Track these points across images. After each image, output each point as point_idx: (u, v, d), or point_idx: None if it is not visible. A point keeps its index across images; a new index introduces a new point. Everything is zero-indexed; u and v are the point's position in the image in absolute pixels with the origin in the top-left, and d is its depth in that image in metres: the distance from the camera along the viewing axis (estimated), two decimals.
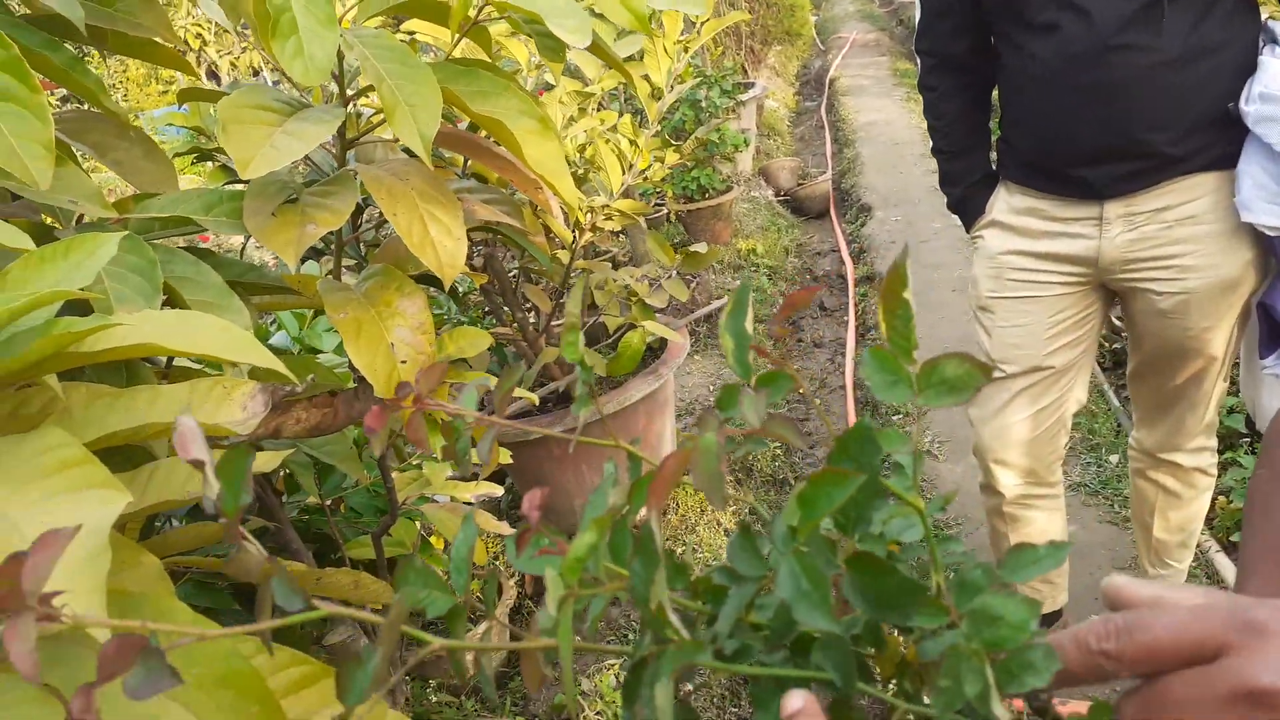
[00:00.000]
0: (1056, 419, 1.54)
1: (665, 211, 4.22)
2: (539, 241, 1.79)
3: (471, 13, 0.87)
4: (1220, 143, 1.31)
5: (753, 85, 5.66)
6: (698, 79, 4.06)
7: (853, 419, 2.95)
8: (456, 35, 0.88)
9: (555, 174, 0.85)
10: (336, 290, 0.86)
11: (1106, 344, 2.96)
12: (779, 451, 2.94)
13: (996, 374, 1.52)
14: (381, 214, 1.23)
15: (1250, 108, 1.27)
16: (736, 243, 4.31)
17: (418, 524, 1.28)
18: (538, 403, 2.02)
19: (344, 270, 1.00)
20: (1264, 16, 1.35)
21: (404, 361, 0.86)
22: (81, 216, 0.76)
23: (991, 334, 1.52)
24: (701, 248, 2.40)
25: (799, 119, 7.38)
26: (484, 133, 1.15)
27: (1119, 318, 2.43)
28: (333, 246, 1.02)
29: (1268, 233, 1.29)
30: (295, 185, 0.85)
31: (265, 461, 0.75)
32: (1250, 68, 1.29)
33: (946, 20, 1.45)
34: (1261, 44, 1.31)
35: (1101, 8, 1.25)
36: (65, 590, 0.40)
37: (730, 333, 0.48)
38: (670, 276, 2.27)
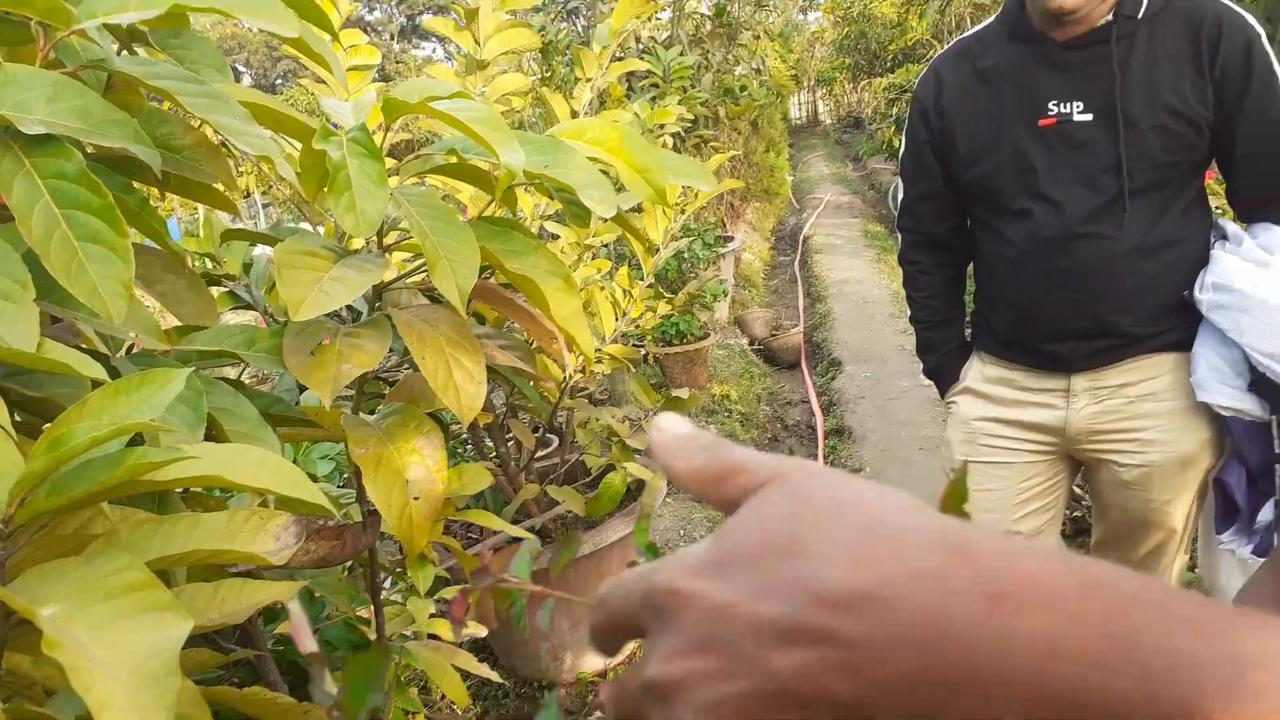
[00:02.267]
0: None
1: (644, 354, 4.33)
2: (547, 387, 1.85)
3: (508, 181, 0.95)
4: (1178, 326, 1.42)
5: (731, 239, 5.91)
6: (681, 232, 4.25)
7: None
8: (494, 199, 0.96)
9: (577, 329, 0.92)
10: (359, 426, 0.90)
11: (1069, 512, 3.03)
12: None
13: None
14: (397, 354, 1.29)
15: (1204, 296, 1.38)
16: (711, 387, 4.40)
17: (397, 660, 1.27)
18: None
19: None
20: (1216, 214, 1.49)
21: (416, 498, 0.89)
22: (132, 346, 0.80)
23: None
24: (684, 393, 2.47)
25: (773, 272, 7.67)
26: (501, 281, 1.22)
27: (1080, 486, 2.51)
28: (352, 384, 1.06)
29: (1221, 412, 1.39)
30: (331, 326, 0.90)
31: (284, 591, 0.77)
32: (1204, 260, 1.41)
33: (929, 202, 1.58)
34: (1213, 239, 1.44)
35: (1071, 200, 1.37)
36: (137, 710, 0.43)
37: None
38: (651, 418, 2.33)
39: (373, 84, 1.91)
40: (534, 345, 1.18)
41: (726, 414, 4.16)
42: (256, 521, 0.66)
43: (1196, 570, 1.87)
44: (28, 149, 0.69)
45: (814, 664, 0.25)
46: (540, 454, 2.53)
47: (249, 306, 1.62)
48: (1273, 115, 1.33)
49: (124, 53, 0.88)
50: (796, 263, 7.48)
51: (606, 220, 0.94)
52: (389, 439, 0.91)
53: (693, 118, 5.44)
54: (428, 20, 2.23)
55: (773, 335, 5.41)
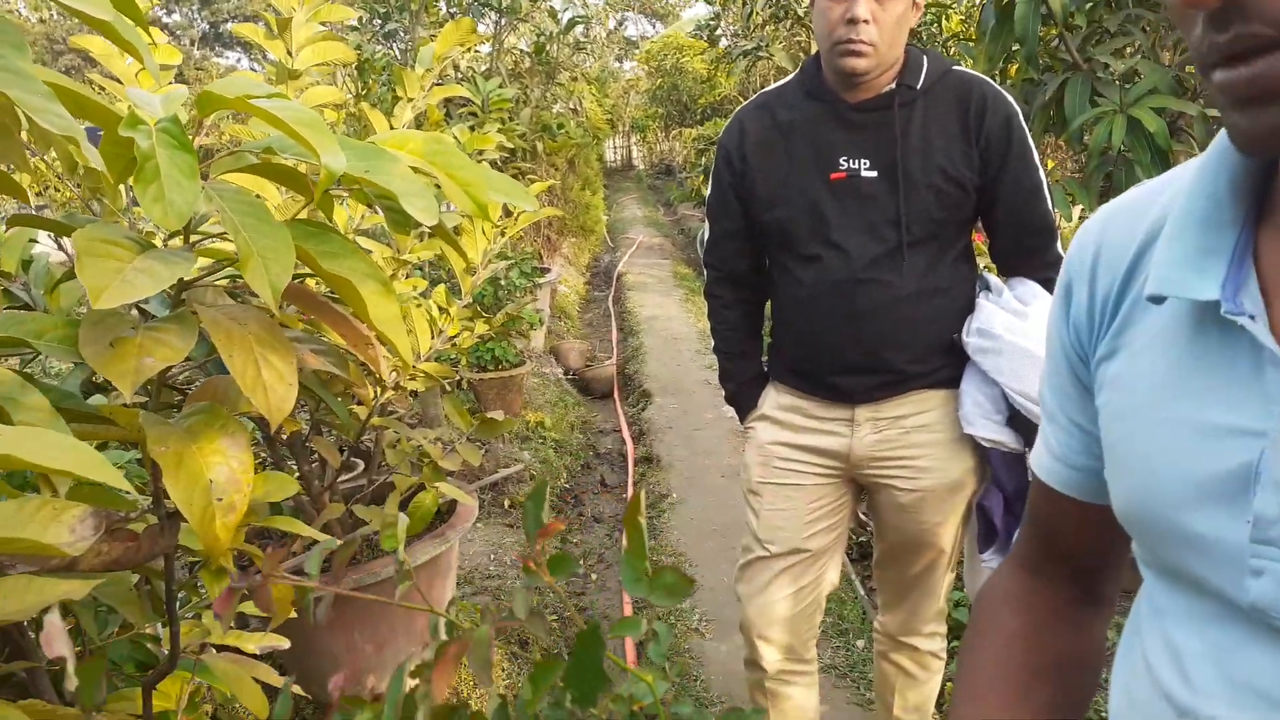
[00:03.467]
0: (814, 599, 1.71)
1: (460, 379, 4.29)
2: (362, 394, 1.82)
3: (327, 184, 0.95)
4: (948, 366, 1.58)
5: (548, 270, 5.98)
6: (500, 259, 4.27)
7: (628, 605, 3.03)
8: (313, 201, 0.96)
9: (395, 332, 0.93)
10: (159, 424, 0.87)
11: (854, 536, 3.27)
12: (554, 627, 2.94)
13: (761, 553, 1.68)
14: (195, 360, 1.24)
15: (970, 340, 1.56)
16: (526, 414, 4.42)
17: (191, 676, 1.21)
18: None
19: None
20: (981, 267, 1.69)
21: (220, 499, 0.87)
22: None
23: (759, 515, 1.69)
24: (498, 415, 2.48)
25: (589, 306, 7.80)
26: (322, 288, 1.21)
27: (865, 514, 2.72)
28: (149, 384, 1.02)
29: (984, 443, 1.56)
30: (132, 319, 0.87)
31: (75, 589, 0.73)
32: (970, 307, 1.59)
33: (731, 241, 1.69)
34: (978, 289, 1.63)
35: (856, 247, 1.52)
36: None
37: (530, 519, 0.60)
38: (463, 441, 2.32)
39: (172, 86, 1.83)
40: (346, 352, 1.18)
41: (541, 440, 4.19)
42: (50, 511, 0.64)
43: (964, 587, 2.07)
44: None
45: None
46: (345, 477, 2.46)
47: (26, 307, 1.51)
48: (1026, 183, 1.53)
49: None
50: (611, 298, 7.65)
51: (424, 237, 0.96)
52: (192, 438, 0.88)
53: (511, 149, 5.48)
54: (237, 25, 2.16)
55: (587, 366, 5.51)
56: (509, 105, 5.21)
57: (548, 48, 5.76)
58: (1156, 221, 0.62)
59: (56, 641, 0.80)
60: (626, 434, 4.53)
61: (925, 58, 1.53)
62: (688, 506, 3.57)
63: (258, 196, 1.03)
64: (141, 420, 0.87)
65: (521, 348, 4.53)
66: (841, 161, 1.52)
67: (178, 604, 1.18)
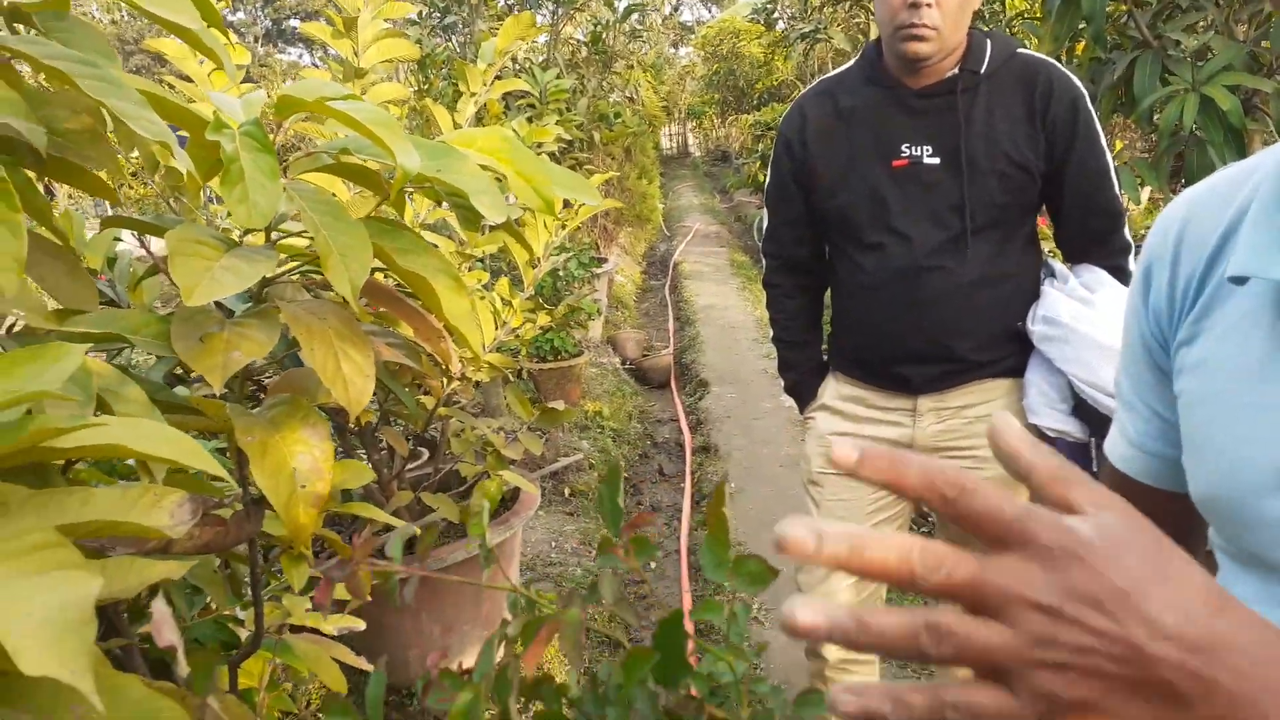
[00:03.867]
0: (874, 589, 1.70)
1: (520, 369, 4.35)
2: (433, 385, 1.87)
3: (410, 178, 0.98)
4: (1012, 354, 1.57)
5: (605, 260, 6.01)
6: (558, 250, 4.31)
7: (685, 581, 3.05)
8: (389, 198, 1.00)
9: (467, 326, 0.96)
10: (245, 415, 0.91)
11: (916, 528, 3.24)
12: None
13: None
14: (278, 353, 1.29)
15: (1035, 328, 1.54)
16: (585, 404, 4.46)
17: (272, 657, 1.26)
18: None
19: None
20: (1047, 253, 1.66)
21: (303, 486, 0.91)
22: (13, 325, 0.80)
23: (820, 506, 1.69)
24: (559, 405, 2.51)
25: (645, 295, 7.82)
26: (393, 282, 1.24)
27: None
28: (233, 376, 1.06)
29: (1048, 434, 1.54)
30: (218, 316, 0.91)
31: (173, 570, 0.78)
32: (1035, 294, 1.57)
33: (792, 229, 1.69)
34: (1043, 277, 1.60)
35: (919, 234, 1.51)
36: (58, 657, 0.45)
37: (607, 503, 0.63)
38: (525, 431, 2.36)
39: (247, 86, 1.89)
40: (417, 345, 1.21)
41: (599, 430, 4.23)
42: (151, 498, 0.67)
43: None
44: None
45: (1180, 672, 0.34)
46: (411, 465, 2.52)
47: (111, 303, 1.58)
48: (1092, 167, 1.50)
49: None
50: (667, 287, 7.66)
51: (490, 229, 0.99)
52: (275, 428, 0.92)
53: (569, 140, 5.52)
54: (304, 25, 2.21)
55: (644, 356, 5.53)
56: (566, 95, 5.24)
57: (604, 36, 5.77)
58: (1241, 206, 0.61)
59: (165, 629, 0.85)
60: (684, 423, 4.55)
61: (989, 40, 1.51)
62: (746, 496, 3.58)
63: (332, 195, 1.07)
64: (229, 411, 0.91)
65: (580, 338, 4.57)
66: (904, 148, 1.51)
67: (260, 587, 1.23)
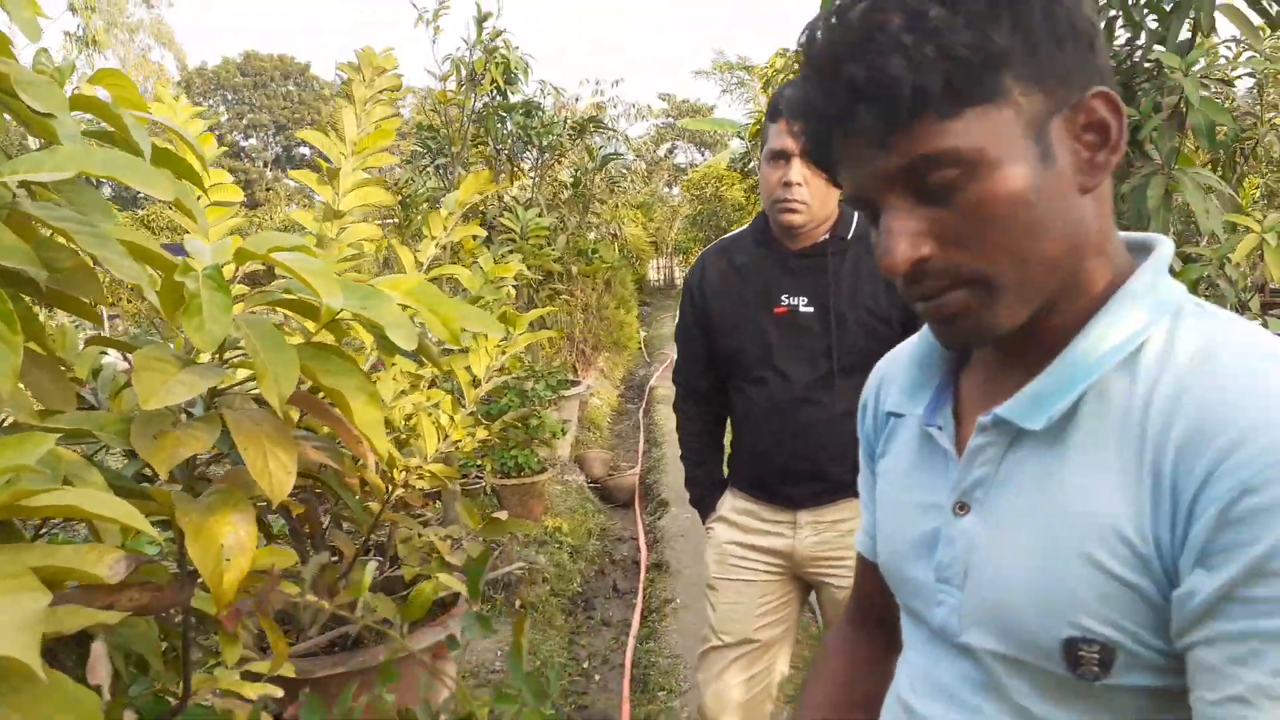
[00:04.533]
0: (764, 686, 1.87)
1: (483, 484, 4.53)
2: (363, 481, 2.07)
3: (335, 314, 1.23)
4: None
5: (578, 384, 6.26)
6: (526, 373, 4.57)
7: (626, 692, 3.16)
8: (319, 327, 1.23)
9: (374, 433, 1.18)
10: (186, 500, 1.12)
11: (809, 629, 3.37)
12: None
13: (716, 643, 1.86)
14: (217, 450, 1.50)
15: None
16: (545, 520, 4.61)
17: None
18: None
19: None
20: None
21: (228, 559, 1.11)
22: (4, 420, 1.02)
23: (716, 609, 1.87)
24: (502, 515, 2.70)
25: (620, 418, 8.05)
26: (325, 398, 1.47)
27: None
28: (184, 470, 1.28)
29: None
30: (173, 417, 1.13)
31: (111, 616, 0.97)
32: None
33: (695, 363, 1.94)
34: None
35: (796, 372, 1.75)
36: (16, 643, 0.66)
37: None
38: (470, 539, 2.54)
39: (241, 210, 2.18)
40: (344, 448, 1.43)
41: (557, 545, 4.37)
42: (96, 554, 0.88)
43: None
44: None
45: None
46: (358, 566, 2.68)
47: (92, 408, 1.80)
48: None
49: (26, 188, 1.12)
50: (641, 410, 7.90)
51: (433, 358, 1.22)
52: (209, 512, 1.12)
53: (549, 272, 5.86)
54: (294, 172, 2.53)
55: (609, 475, 5.71)
56: (546, 232, 5.61)
57: (583, 181, 6.21)
58: (904, 361, 0.86)
59: (99, 667, 1.04)
60: (643, 541, 4.70)
61: (856, 212, 1.79)
62: (690, 612, 3.71)
63: (273, 324, 1.30)
64: (174, 497, 1.12)
65: (545, 456, 4.77)
66: (783, 299, 1.77)
67: (193, 662, 1.40)
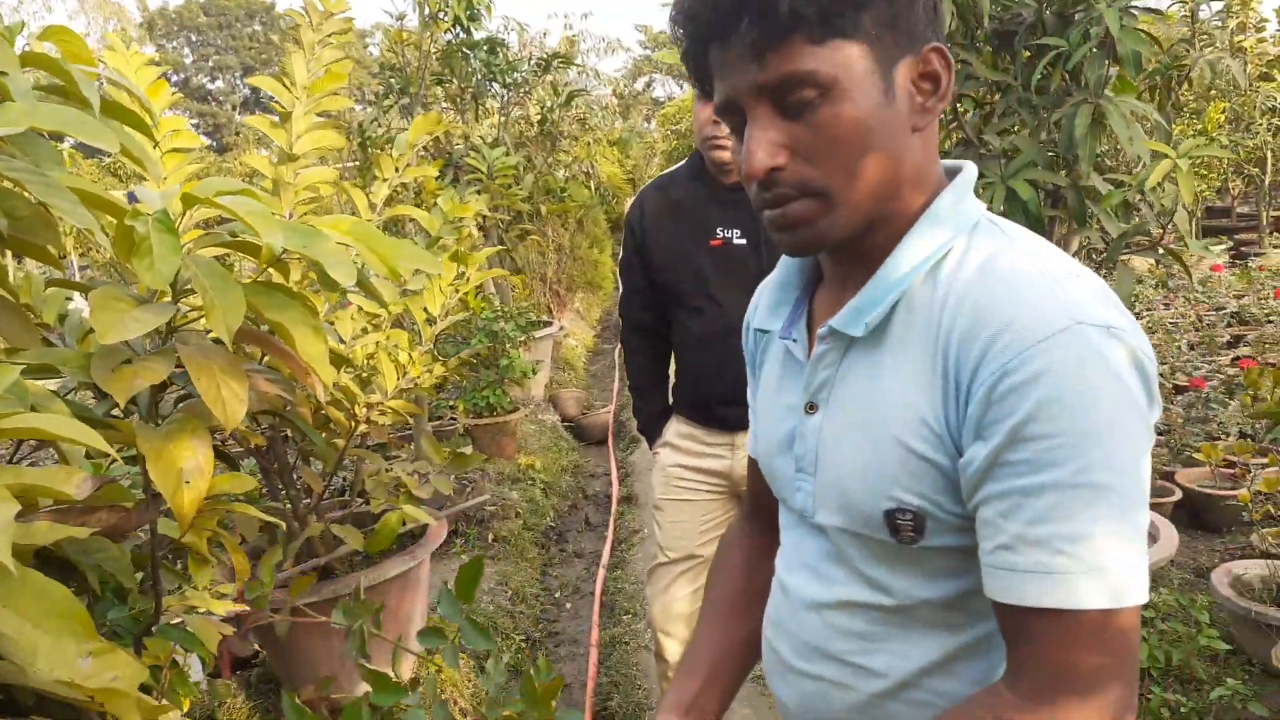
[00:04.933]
0: None
1: (456, 425, 4.63)
2: (328, 419, 2.16)
3: (276, 253, 1.31)
4: None
5: (550, 324, 6.34)
6: (495, 314, 4.64)
7: (596, 618, 3.32)
8: (263, 266, 1.31)
9: (319, 364, 1.27)
10: (145, 429, 1.21)
11: None
12: (523, 647, 3.23)
13: (663, 559, 1.98)
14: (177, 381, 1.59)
15: None
16: (519, 458, 4.74)
17: (172, 644, 1.53)
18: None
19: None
20: None
21: (188, 482, 1.21)
22: None
23: (662, 527, 2.00)
24: (468, 449, 2.81)
25: (595, 358, 8.16)
26: (271, 332, 1.55)
27: None
28: (144, 401, 1.37)
29: None
30: (129, 353, 1.22)
31: (80, 531, 1.07)
32: None
33: (639, 296, 2.03)
34: None
35: (729, 301, 1.84)
36: None
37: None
38: (437, 474, 2.65)
39: (209, 154, 2.23)
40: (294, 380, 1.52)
41: (530, 482, 4.50)
42: (64, 474, 0.98)
43: None
44: None
45: None
46: (326, 500, 2.80)
47: None
48: None
49: None
50: (617, 350, 8.00)
51: (351, 287, 1.30)
52: (168, 439, 1.22)
53: (516, 212, 5.89)
54: (249, 119, 2.57)
55: (583, 414, 5.83)
56: (513, 171, 5.63)
57: (549, 119, 6.21)
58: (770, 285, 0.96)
59: None
60: (614, 477, 4.84)
61: None
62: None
63: (219, 263, 1.38)
64: (135, 426, 1.22)
65: (516, 396, 4.87)
66: (718, 231, 1.86)
67: (164, 587, 1.51)
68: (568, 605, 3.60)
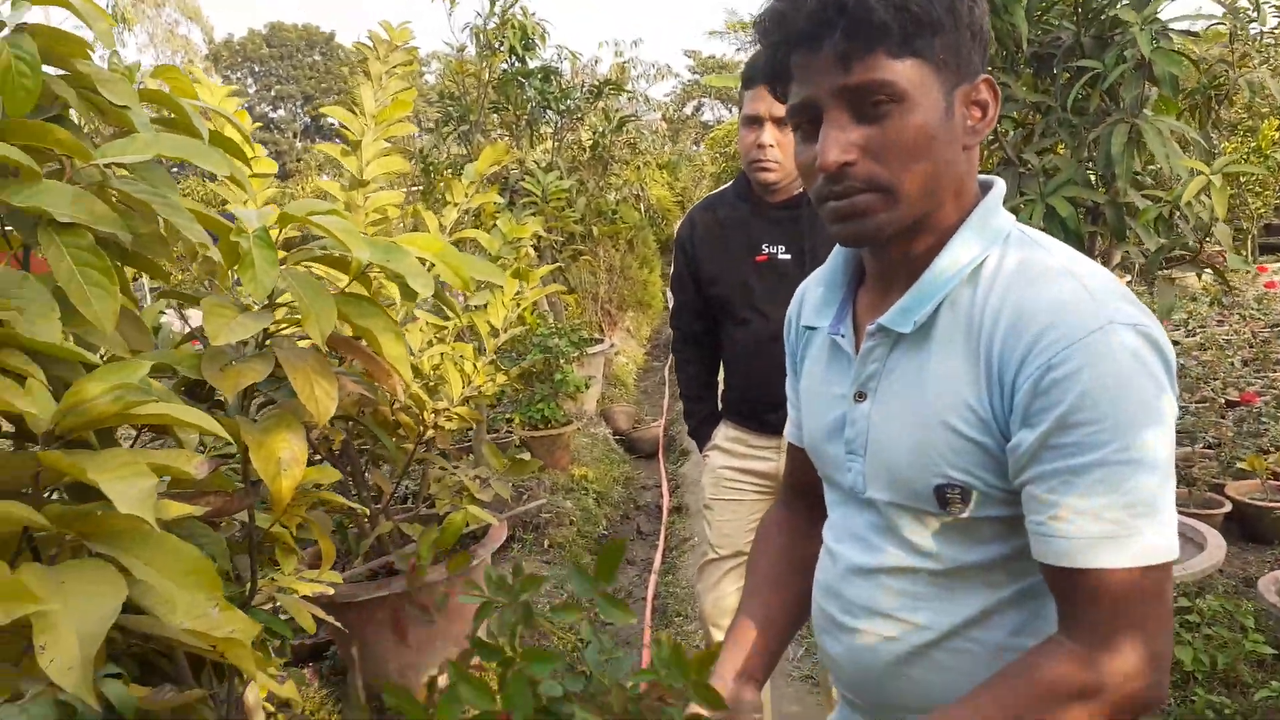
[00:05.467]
0: None
1: (513, 437, 4.79)
2: (398, 424, 2.31)
3: (358, 268, 1.45)
4: None
5: (602, 341, 6.49)
6: (550, 331, 4.80)
7: (648, 620, 3.42)
8: (350, 278, 1.46)
9: (401, 365, 1.41)
10: (248, 423, 1.36)
11: None
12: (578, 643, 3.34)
13: (714, 555, 2.08)
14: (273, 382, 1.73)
15: None
16: (573, 469, 4.87)
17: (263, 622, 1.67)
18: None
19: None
20: None
21: (285, 469, 1.35)
22: (105, 354, 1.26)
23: (712, 525, 2.10)
24: (525, 456, 2.95)
25: (646, 375, 8.29)
26: (363, 341, 1.71)
27: None
28: (234, 403, 1.52)
29: None
30: (234, 354, 1.37)
31: (195, 509, 1.21)
32: None
33: (688, 309, 2.15)
34: None
35: (775, 312, 1.94)
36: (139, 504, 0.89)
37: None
38: (497, 478, 2.79)
39: (274, 180, 2.41)
40: (377, 384, 1.66)
41: (583, 492, 4.63)
42: (185, 456, 1.12)
43: None
44: (59, 231, 1.15)
45: None
46: (400, 510, 2.95)
47: None
48: None
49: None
50: (667, 367, 8.12)
51: (450, 304, 1.44)
52: (267, 432, 1.36)
53: (569, 233, 6.07)
54: (319, 145, 2.75)
55: (634, 428, 5.95)
56: (566, 195, 5.81)
57: (601, 144, 6.39)
58: (814, 285, 1.07)
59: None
60: (665, 488, 4.94)
61: None
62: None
63: (318, 276, 1.53)
64: (239, 421, 1.36)
65: (570, 409, 5.01)
66: (764, 247, 1.97)
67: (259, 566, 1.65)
68: None
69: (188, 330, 2.01)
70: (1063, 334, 0.78)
